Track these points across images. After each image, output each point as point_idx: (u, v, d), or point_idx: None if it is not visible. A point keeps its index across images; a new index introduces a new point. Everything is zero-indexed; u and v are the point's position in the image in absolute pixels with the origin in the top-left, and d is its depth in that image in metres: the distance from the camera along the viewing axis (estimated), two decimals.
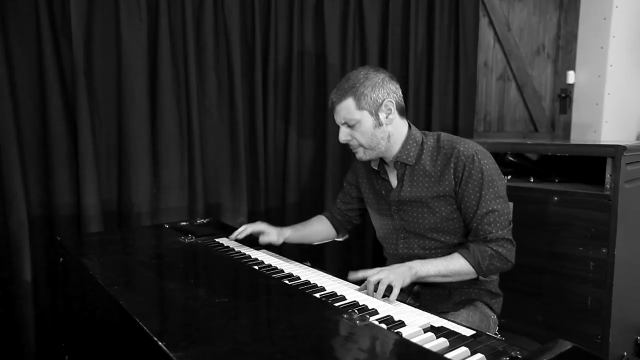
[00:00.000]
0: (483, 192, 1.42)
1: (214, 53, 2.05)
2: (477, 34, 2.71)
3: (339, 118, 1.50)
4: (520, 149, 2.22)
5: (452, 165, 1.46)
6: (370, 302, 1.17)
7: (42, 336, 1.83)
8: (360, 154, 1.53)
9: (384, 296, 1.22)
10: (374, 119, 1.46)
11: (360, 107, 1.45)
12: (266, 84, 2.18)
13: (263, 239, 1.61)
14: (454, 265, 1.40)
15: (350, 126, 1.48)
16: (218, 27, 2.05)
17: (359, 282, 1.32)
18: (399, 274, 1.29)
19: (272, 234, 1.62)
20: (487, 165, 1.44)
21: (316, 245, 2.32)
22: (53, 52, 1.75)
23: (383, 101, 1.46)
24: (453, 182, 1.46)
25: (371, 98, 1.45)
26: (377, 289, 1.23)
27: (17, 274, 1.75)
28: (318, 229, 1.81)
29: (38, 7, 1.71)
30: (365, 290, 1.25)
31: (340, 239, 1.89)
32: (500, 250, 1.41)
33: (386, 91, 1.47)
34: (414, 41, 2.48)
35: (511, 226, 1.45)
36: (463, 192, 1.44)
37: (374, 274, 1.27)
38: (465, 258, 1.40)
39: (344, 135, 1.50)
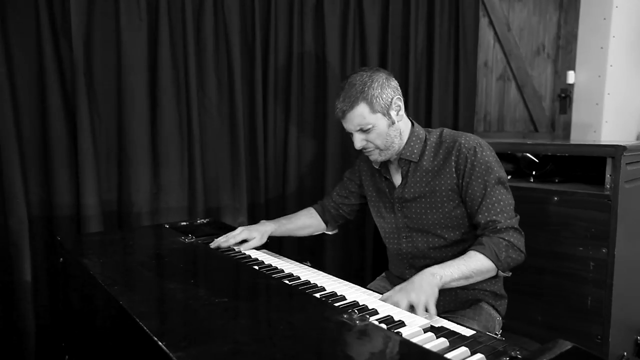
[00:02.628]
0: (488, 183, 1.40)
1: (214, 53, 2.04)
2: (477, 34, 2.71)
3: (351, 125, 1.46)
4: (520, 149, 2.22)
5: (453, 157, 1.45)
6: (371, 302, 1.16)
7: (42, 336, 1.83)
8: (376, 156, 1.51)
9: None
10: (387, 119, 1.45)
11: (374, 110, 1.42)
12: (266, 83, 2.18)
13: (246, 246, 1.58)
14: (474, 264, 1.29)
15: (365, 131, 1.45)
16: (218, 27, 2.05)
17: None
18: (428, 290, 1.16)
19: (254, 239, 1.59)
20: (489, 157, 1.44)
21: (316, 245, 2.34)
22: (53, 52, 1.75)
23: (392, 99, 1.45)
24: (455, 175, 1.45)
25: (382, 99, 1.42)
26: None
27: (17, 274, 1.74)
28: (305, 222, 1.78)
29: (38, 7, 1.71)
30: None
31: (330, 233, 1.87)
32: (512, 240, 1.36)
33: (392, 89, 1.46)
34: (414, 41, 2.48)
35: (518, 217, 1.42)
36: (467, 184, 1.43)
37: (400, 299, 1.15)
38: (483, 253, 1.31)
39: (359, 142, 1.47)
